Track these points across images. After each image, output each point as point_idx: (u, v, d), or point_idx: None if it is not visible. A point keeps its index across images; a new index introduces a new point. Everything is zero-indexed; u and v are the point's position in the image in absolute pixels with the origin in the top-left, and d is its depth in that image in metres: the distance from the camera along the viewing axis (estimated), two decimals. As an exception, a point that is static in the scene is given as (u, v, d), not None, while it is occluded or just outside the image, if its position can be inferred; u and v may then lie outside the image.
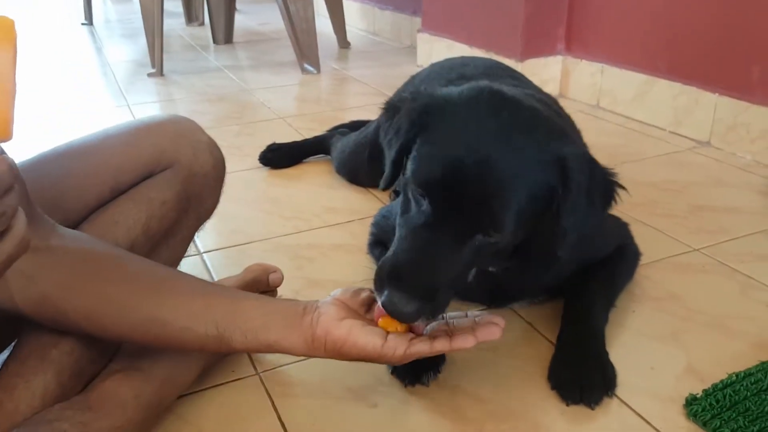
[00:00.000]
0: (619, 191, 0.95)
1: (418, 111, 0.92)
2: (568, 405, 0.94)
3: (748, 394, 0.94)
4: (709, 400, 0.93)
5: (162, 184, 0.98)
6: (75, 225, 0.93)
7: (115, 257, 0.84)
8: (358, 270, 1.31)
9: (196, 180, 1.03)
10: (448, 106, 0.91)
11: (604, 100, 2.31)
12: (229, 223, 1.51)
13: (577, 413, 0.94)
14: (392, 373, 1.00)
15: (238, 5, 3.82)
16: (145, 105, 2.50)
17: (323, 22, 3.30)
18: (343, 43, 3.43)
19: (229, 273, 1.09)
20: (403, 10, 3.47)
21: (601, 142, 1.98)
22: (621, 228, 1.25)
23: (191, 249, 1.36)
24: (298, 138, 1.97)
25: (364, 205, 1.60)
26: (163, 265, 0.89)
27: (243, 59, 3.28)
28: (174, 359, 0.92)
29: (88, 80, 2.94)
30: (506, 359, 1.04)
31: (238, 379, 1.01)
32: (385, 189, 1.03)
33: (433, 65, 1.58)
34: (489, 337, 0.84)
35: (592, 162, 0.93)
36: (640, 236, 1.27)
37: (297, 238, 1.46)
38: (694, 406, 0.92)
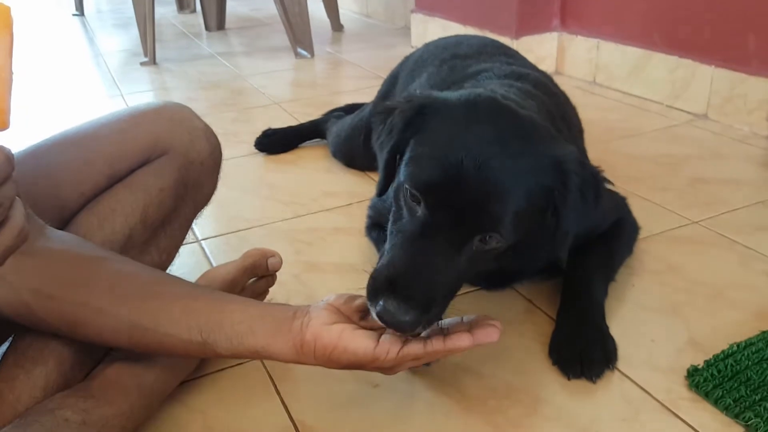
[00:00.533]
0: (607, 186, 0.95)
1: (413, 111, 0.90)
2: (569, 379, 0.95)
3: (750, 363, 0.94)
4: (710, 370, 0.93)
5: (159, 171, 0.98)
6: (72, 214, 0.93)
7: (99, 261, 0.82)
8: (357, 253, 1.31)
9: (193, 166, 1.02)
10: (445, 110, 0.89)
11: (601, 75, 2.30)
12: (226, 209, 1.51)
13: (578, 387, 0.94)
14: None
15: (229, -9, 3.79)
16: (138, 94, 2.49)
17: (316, 6, 3.28)
18: (337, 26, 3.40)
19: (227, 259, 1.09)
20: (395, -9, 3.44)
21: (598, 117, 1.97)
22: (619, 202, 1.25)
23: (190, 236, 1.37)
24: (293, 123, 1.96)
25: (361, 188, 1.59)
26: (148, 268, 0.87)
27: (236, 45, 3.26)
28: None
29: (81, 71, 2.92)
30: (507, 336, 1.04)
31: (240, 363, 1.01)
32: (380, 195, 1.01)
33: (426, 45, 1.57)
34: (487, 339, 0.80)
35: (582, 161, 0.92)
36: (638, 210, 1.27)
37: (295, 222, 1.46)
38: (695, 377, 0.92)
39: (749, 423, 0.84)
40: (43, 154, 0.94)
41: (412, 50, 1.65)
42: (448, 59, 1.40)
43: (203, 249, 1.36)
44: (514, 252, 0.96)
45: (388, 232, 0.89)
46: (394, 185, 0.92)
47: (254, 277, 1.07)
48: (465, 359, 0.99)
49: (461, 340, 0.79)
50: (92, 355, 0.87)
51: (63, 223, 0.92)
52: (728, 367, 0.93)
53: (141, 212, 0.93)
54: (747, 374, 0.92)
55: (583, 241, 1.13)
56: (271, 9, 3.08)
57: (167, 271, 1.05)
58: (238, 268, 1.03)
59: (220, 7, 3.51)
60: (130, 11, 3.01)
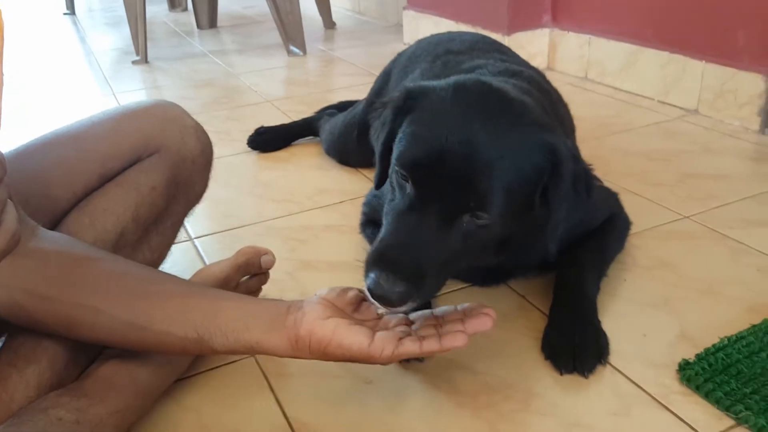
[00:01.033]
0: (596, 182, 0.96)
1: (402, 99, 0.92)
2: (561, 374, 0.95)
3: (740, 357, 0.95)
4: (701, 364, 0.94)
5: (150, 170, 0.98)
6: (64, 213, 0.93)
7: (92, 261, 0.82)
8: (351, 250, 1.31)
9: (185, 164, 1.02)
10: (433, 93, 0.90)
11: (593, 71, 2.30)
12: (220, 207, 1.51)
13: (570, 382, 0.94)
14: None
15: (221, -11, 3.78)
16: (130, 93, 2.48)
17: (308, 3, 3.27)
18: (329, 23, 3.40)
19: (221, 257, 1.09)
20: (388, -12, 3.44)
21: (590, 113, 1.98)
22: (611, 198, 1.25)
23: (182, 235, 1.37)
24: (286, 121, 1.96)
25: (355, 186, 1.60)
26: (141, 266, 0.87)
27: (228, 43, 3.25)
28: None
29: (73, 70, 2.91)
30: (500, 331, 1.05)
31: (234, 361, 1.01)
32: (378, 188, 1.03)
33: (419, 42, 1.58)
34: (480, 329, 0.82)
35: (576, 155, 0.93)
36: (630, 206, 1.27)
37: (289, 220, 1.46)
38: (687, 371, 0.93)
39: (740, 416, 0.85)
40: (34, 154, 0.94)
41: (404, 47, 1.65)
42: (441, 55, 1.41)
43: (196, 247, 1.36)
44: (508, 244, 0.96)
45: (384, 214, 0.91)
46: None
47: (247, 275, 1.07)
48: (458, 355, 0.99)
49: (456, 340, 0.79)
50: (86, 354, 0.87)
51: (55, 223, 0.92)
52: (719, 360, 0.94)
53: (133, 211, 0.93)
54: (738, 367, 0.93)
55: (575, 237, 1.14)
56: (263, 7, 3.07)
57: (159, 269, 1.05)
58: (231, 266, 1.03)
59: (212, 5, 3.50)
60: (121, 10, 3.00)
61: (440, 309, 0.88)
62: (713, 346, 0.97)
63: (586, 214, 1.13)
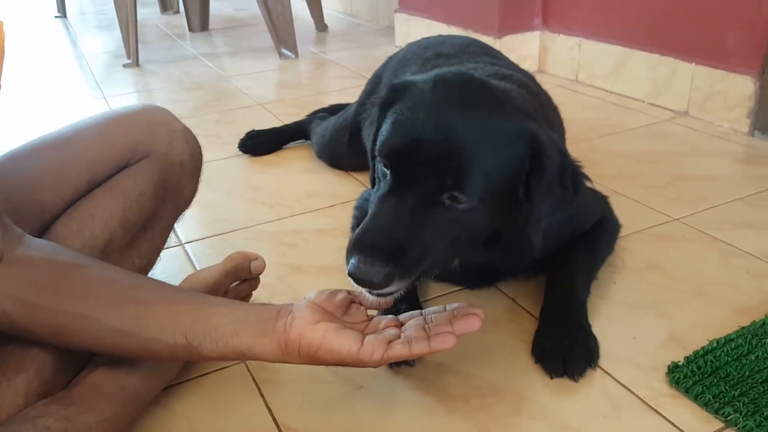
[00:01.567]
0: (585, 181, 0.95)
1: (386, 95, 0.93)
2: (552, 378, 0.95)
3: (729, 359, 0.95)
4: (690, 367, 0.94)
5: (138, 175, 0.98)
6: (52, 219, 0.93)
7: (79, 268, 0.82)
8: (342, 254, 1.30)
9: (173, 169, 1.02)
10: (414, 86, 0.92)
11: (583, 74, 2.31)
12: (210, 212, 1.51)
13: (561, 385, 0.95)
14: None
15: (212, -8, 3.78)
16: (121, 96, 2.48)
17: (300, 6, 3.27)
18: (321, 26, 3.40)
19: (212, 262, 1.09)
20: (379, -10, 3.44)
21: (580, 116, 1.98)
22: (600, 201, 1.25)
23: (173, 239, 1.36)
24: (277, 124, 1.96)
25: (346, 189, 1.59)
26: (130, 273, 0.87)
27: (220, 46, 3.25)
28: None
29: (64, 73, 2.90)
30: (490, 335, 1.05)
31: (225, 367, 1.01)
32: (374, 186, 1.03)
33: (410, 45, 1.58)
34: (469, 329, 0.82)
35: (563, 149, 0.93)
36: (619, 208, 1.28)
37: (279, 224, 1.45)
38: (676, 374, 0.93)
39: (729, 418, 0.85)
40: (21, 160, 0.94)
41: (396, 50, 1.65)
42: (432, 59, 1.41)
43: (187, 252, 1.36)
44: (497, 241, 0.96)
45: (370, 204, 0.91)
46: None
47: (237, 281, 1.07)
48: (448, 359, 1.00)
49: (445, 342, 0.80)
50: (74, 362, 0.87)
51: (43, 229, 0.91)
52: (708, 363, 0.94)
53: (121, 216, 0.93)
54: (726, 370, 0.93)
55: (565, 240, 1.14)
56: (255, 9, 3.07)
57: (149, 275, 1.05)
58: (221, 271, 1.03)
59: (204, 7, 3.49)
60: (113, 12, 2.99)
61: (429, 310, 0.88)
62: (702, 348, 0.97)
63: (575, 215, 1.14)
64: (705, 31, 1.88)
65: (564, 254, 1.12)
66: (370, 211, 0.88)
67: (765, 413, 0.85)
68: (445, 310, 0.87)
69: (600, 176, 1.50)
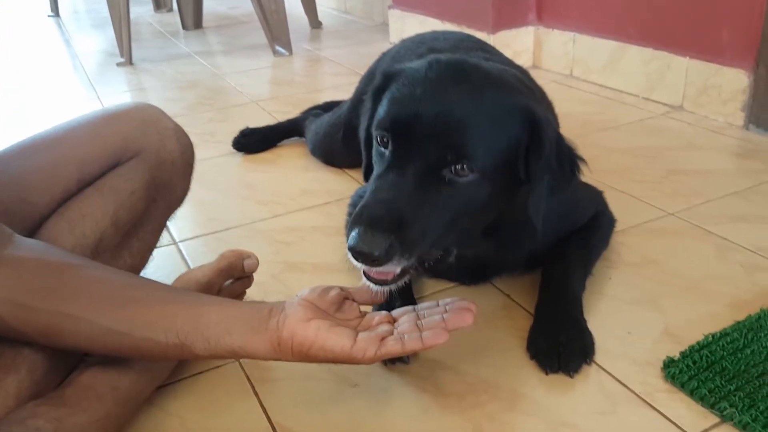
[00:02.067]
0: (581, 164, 0.96)
1: (379, 82, 0.94)
2: (547, 374, 0.95)
3: (725, 354, 0.95)
4: (686, 361, 0.94)
5: (129, 174, 0.97)
6: (43, 219, 0.92)
7: (70, 268, 0.81)
8: (336, 251, 1.30)
9: (164, 167, 1.01)
10: (407, 71, 0.92)
11: (577, 69, 2.31)
12: (204, 210, 1.50)
13: (556, 381, 0.94)
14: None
15: (206, -11, 3.77)
16: (115, 95, 2.47)
17: (293, 3, 3.26)
18: (315, 23, 3.39)
19: (205, 261, 1.08)
20: (373, -13, 3.43)
21: (575, 110, 1.98)
22: (596, 196, 1.25)
23: (166, 238, 1.36)
24: (271, 122, 1.95)
25: (340, 186, 1.59)
26: (121, 272, 0.86)
27: (213, 44, 3.24)
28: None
29: (57, 72, 2.89)
30: (485, 331, 1.05)
31: (218, 366, 1.01)
32: (367, 179, 1.03)
33: (403, 41, 1.57)
34: (461, 324, 0.82)
35: (559, 132, 0.93)
36: (615, 203, 1.27)
37: (274, 222, 1.45)
38: (671, 369, 0.93)
39: (724, 413, 0.85)
40: (12, 159, 0.93)
41: (390, 46, 1.64)
42: (425, 54, 1.40)
43: (180, 251, 1.35)
44: (497, 227, 0.97)
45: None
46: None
47: (231, 279, 1.06)
48: (443, 356, 0.99)
49: (438, 337, 0.80)
50: (66, 362, 0.86)
51: (34, 228, 0.91)
52: (703, 358, 0.94)
53: (112, 216, 0.92)
54: (722, 365, 0.93)
55: (561, 235, 1.14)
56: (249, 7, 3.06)
57: (141, 274, 1.04)
58: (214, 270, 1.02)
59: (197, 5, 3.48)
60: (106, 11, 2.98)
61: (422, 305, 0.88)
62: (697, 343, 0.97)
63: (571, 209, 1.13)
64: (699, 26, 1.88)
65: (559, 250, 1.12)
66: (369, 188, 0.87)
67: (761, 407, 0.85)
68: (437, 305, 0.87)
69: (595, 171, 1.48)
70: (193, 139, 1.10)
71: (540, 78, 1.36)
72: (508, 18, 2.38)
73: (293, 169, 1.72)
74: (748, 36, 1.76)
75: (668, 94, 1.99)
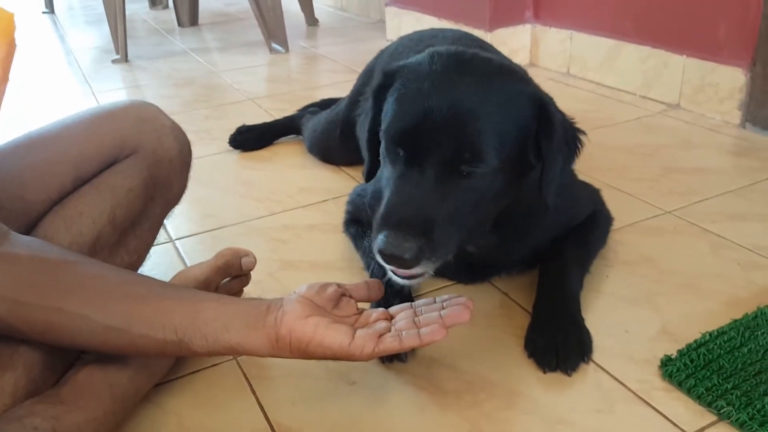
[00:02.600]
0: (582, 138, 0.98)
1: (379, 82, 0.93)
2: (545, 372, 0.95)
3: (722, 352, 0.95)
4: (683, 360, 0.94)
5: (126, 172, 0.97)
6: (39, 217, 0.92)
7: (67, 264, 0.81)
8: (333, 250, 1.30)
9: (162, 165, 1.01)
10: (409, 67, 0.92)
11: (575, 66, 2.31)
12: (201, 208, 1.50)
13: (554, 380, 0.94)
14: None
15: (202, -14, 3.75)
16: (110, 92, 2.46)
17: (290, 0, 3.25)
18: (311, 20, 3.38)
19: (202, 259, 1.08)
20: (370, -16, 3.43)
21: (572, 108, 1.94)
22: (593, 194, 1.25)
23: (163, 236, 1.35)
24: (268, 119, 1.94)
25: (337, 184, 1.59)
26: (119, 269, 0.86)
27: (209, 41, 3.23)
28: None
29: (52, 69, 2.87)
30: (483, 329, 1.05)
31: (216, 364, 1.00)
32: (368, 180, 1.04)
33: (402, 38, 1.57)
34: (458, 321, 0.82)
35: (562, 112, 0.95)
36: (612, 201, 1.27)
37: (271, 220, 1.44)
38: (669, 367, 0.93)
39: (722, 411, 0.85)
40: (7, 157, 0.93)
41: (387, 44, 1.64)
42: (423, 51, 1.40)
43: (177, 249, 1.34)
44: (507, 215, 0.97)
45: (383, 188, 0.91)
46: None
47: (228, 277, 1.06)
48: (441, 354, 0.99)
49: (436, 334, 0.80)
50: (62, 360, 0.86)
51: (30, 227, 0.90)
52: (701, 356, 0.94)
53: (109, 214, 0.92)
54: (719, 363, 0.93)
55: (558, 233, 1.14)
56: (245, 3, 3.05)
57: (138, 272, 1.04)
58: (211, 268, 1.02)
59: (193, 2, 3.47)
60: (101, 8, 2.96)
61: (419, 302, 0.89)
62: (695, 341, 0.97)
63: (568, 206, 1.13)
64: (696, 23, 1.88)
65: (556, 248, 1.12)
66: (389, 190, 0.88)
67: (757, 406, 0.85)
68: (434, 302, 0.88)
69: (592, 169, 1.50)
70: (189, 136, 1.09)
71: (537, 76, 1.35)
72: (505, 15, 2.38)
73: (290, 166, 1.72)
74: (745, 34, 1.76)
75: (665, 92, 2.00)
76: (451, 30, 1.59)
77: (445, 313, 0.83)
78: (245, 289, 1.11)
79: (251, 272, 1.10)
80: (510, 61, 1.34)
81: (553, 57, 2.38)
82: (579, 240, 1.16)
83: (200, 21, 3.53)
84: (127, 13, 2.79)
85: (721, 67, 1.82)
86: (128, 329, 0.78)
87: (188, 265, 1.25)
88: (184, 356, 0.97)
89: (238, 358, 1.01)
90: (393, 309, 0.88)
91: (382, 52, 1.59)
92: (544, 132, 0.88)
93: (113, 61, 2.81)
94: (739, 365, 0.92)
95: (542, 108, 0.88)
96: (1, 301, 0.77)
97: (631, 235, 1.29)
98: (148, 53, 2.97)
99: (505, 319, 1.08)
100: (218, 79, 2.53)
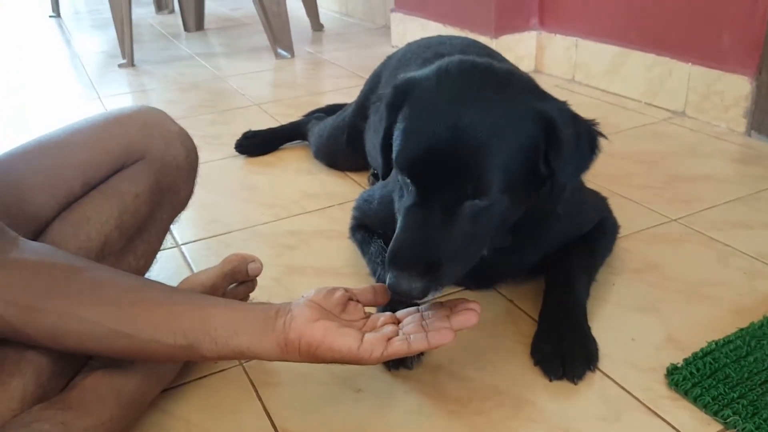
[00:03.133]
0: (601, 140, 0.97)
1: (394, 93, 0.93)
2: (551, 380, 0.95)
3: (728, 361, 0.95)
4: (689, 368, 0.94)
5: (134, 177, 0.97)
6: (47, 222, 0.92)
7: (76, 270, 0.81)
8: (339, 256, 1.30)
9: (169, 171, 1.01)
10: (421, 83, 0.92)
11: (580, 73, 2.31)
12: (207, 213, 1.50)
13: (560, 388, 0.94)
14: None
15: (208, -9, 3.77)
16: (116, 96, 2.47)
17: (295, 5, 3.26)
18: (317, 25, 3.39)
19: (208, 264, 1.08)
20: (375, -10, 3.44)
21: (577, 116, 1.98)
22: (600, 202, 1.25)
23: (169, 241, 1.36)
24: (274, 124, 1.95)
25: (343, 190, 1.59)
26: (127, 274, 0.86)
27: (215, 46, 3.24)
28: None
29: (58, 73, 2.89)
30: (489, 337, 1.05)
31: (222, 370, 1.01)
32: (384, 179, 1.05)
33: (409, 44, 1.57)
34: (466, 324, 0.83)
35: (574, 114, 0.94)
36: (618, 209, 1.27)
37: (276, 225, 1.45)
38: (675, 376, 0.93)
39: (728, 420, 0.85)
40: (15, 162, 0.93)
41: (392, 49, 1.65)
42: (432, 58, 1.39)
43: (183, 254, 1.35)
44: (522, 220, 0.97)
45: (396, 211, 0.93)
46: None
47: (234, 283, 1.07)
48: (447, 361, 0.99)
49: (444, 337, 0.80)
50: (71, 365, 0.86)
51: (38, 232, 0.90)
52: (707, 365, 0.94)
53: (116, 219, 0.92)
54: (725, 372, 0.93)
55: (565, 241, 1.14)
56: (251, 8, 3.06)
57: (145, 276, 1.04)
58: (218, 274, 1.02)
59: (199, 7, 3.49)
60: (107, 12, 2.98)
61: (426, 306, 0.89)
62: (701, 350, 0.97)
63: (576, 213, 1.13)
64: (701, 31, 1.88)
65: (563, 256, 1.12)
66: (400, 221, 0.89)
67: (764, 415, 0.85)
68: (441, 306, 0.88)
69: (597, 176, 1.50)
70: (195, 141, 1.09)
71: (542, 83, 1.34)
72: (510, 22, 2.39)
73: (296, 172, 1.72)
74: (750, 42, 1.76)
75: (670, 100, 2.00)
76: (459, 38, 1.59)
77: (452, 316, 0.84)
78: (251, 294, 1.12)
79: (257, 278, 1.10)
80: (518, 70, 1.36)
81: (559, 64, 2.38)
82: (586, 248, 1.16)
83: (206, 26, 3.54)
84: (133, 17, 2.80)
85: (726, 75, 1.82)
86: (137, 334, 0.78)
87: (194, 270, 1.26)
88: (193, 361, 0.97)
89: (245, 364, 1.01)
90: (400, 313, 0.88)
91: (390, 58, 1.60)
92: (552, 147, 0.88)
93: (119, 66, 2.83)
94: (746, 374, 0.92)
95: (549, 125, 0.87)
96: (10, 306, 0.77)
97: (637, 243, 1.29)
98: (154, 58, 2.98)
99: (512, 326, 1.08)
100: (224, 84, 2.54)
